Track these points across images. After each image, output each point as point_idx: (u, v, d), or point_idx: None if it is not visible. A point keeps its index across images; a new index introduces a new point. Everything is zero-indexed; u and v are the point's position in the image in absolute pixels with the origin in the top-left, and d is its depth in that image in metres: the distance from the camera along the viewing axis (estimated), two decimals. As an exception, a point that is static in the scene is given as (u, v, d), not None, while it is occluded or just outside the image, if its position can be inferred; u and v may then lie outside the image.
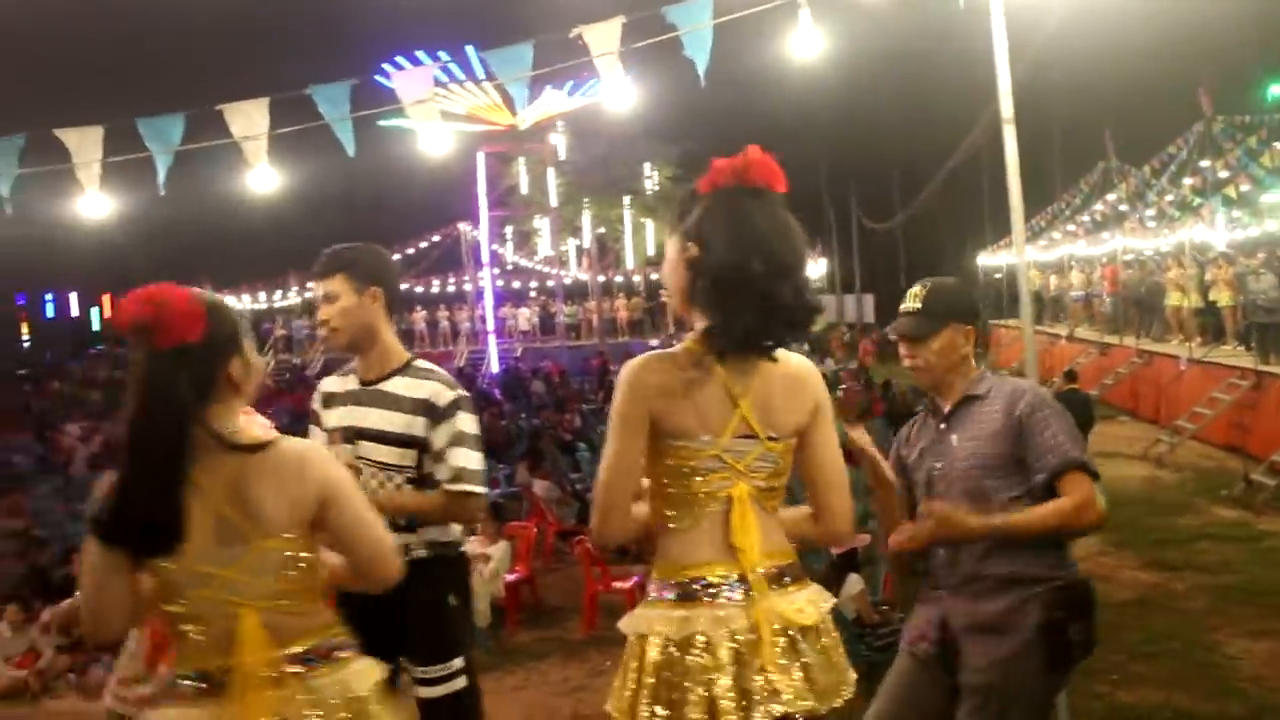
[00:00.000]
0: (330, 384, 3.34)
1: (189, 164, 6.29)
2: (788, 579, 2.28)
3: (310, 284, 3.17)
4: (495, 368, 28.03)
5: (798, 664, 2.19)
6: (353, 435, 3.16)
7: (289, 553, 2.16)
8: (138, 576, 2.16)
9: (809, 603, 2.27)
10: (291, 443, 2.22)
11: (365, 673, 2.27)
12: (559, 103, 27.55)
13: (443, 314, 34.13)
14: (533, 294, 37.23)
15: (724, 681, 2.14)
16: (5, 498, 12.03)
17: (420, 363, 3.26)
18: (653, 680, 2.19)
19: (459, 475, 3.15)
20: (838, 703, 2.26)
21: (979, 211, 33.86)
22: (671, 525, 2.28)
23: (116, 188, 6.47)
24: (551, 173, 30.77)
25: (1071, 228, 27.51)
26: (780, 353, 2.29)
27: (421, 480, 3.16)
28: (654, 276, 38.56)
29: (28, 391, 28.79)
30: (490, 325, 29.57)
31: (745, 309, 2.19)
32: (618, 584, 8.94)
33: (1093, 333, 23.29)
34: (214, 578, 2.13)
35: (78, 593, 2.25)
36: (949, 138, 31.92)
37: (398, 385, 3.18)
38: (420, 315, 33.60)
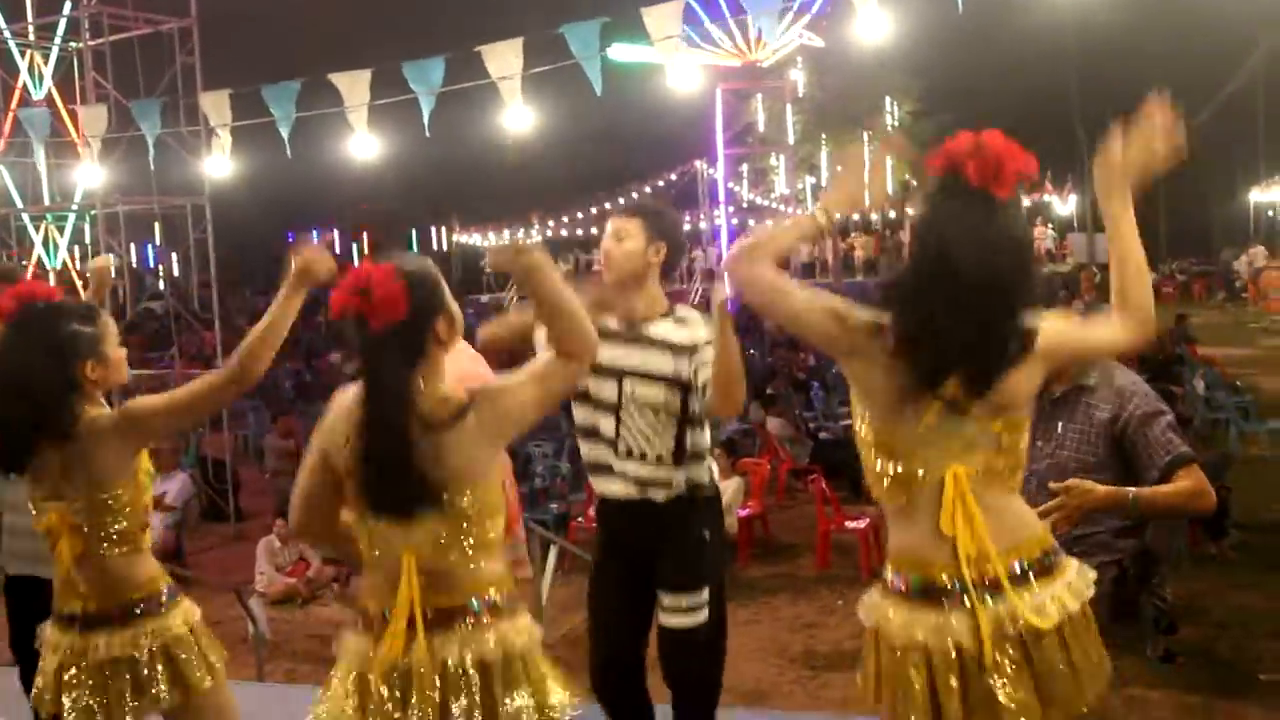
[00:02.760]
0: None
1: (446, 105, 6.57)
2: (1032, 574, 2.10)
3: (610, 218, 3.34)
4: (729, 305, 28.08)
5: (1028, 673, 2.04)
6: (619, 374, 3.26)
7: (461, 503, 2.22)
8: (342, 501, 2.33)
9: (1054, 599, 2.09)
10: (454, 393, 2.25)
11: (522, 628, 2.28)
12: (802, 37, 27.04)
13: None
14: (768, 232, 36.95)
15: (947, 691, 2.05)
16: (278, 420, 13.03)
17: (681, 309, 3.36)
18: (876, 675, 2.18)
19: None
20: (1082, 705, 2.10)
21: (1251, 143, 31.19)
22: (890, 506, 2.19)
23: (381, 128, 6.85)
24: (789, 109, 30.30)
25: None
26: None
27: (687, 419, 3.25)
28: (892, 214, 37.58)
29: (296, 323, 30.83)
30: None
31: (942, 331, 2.04)
32: (850, 523, 8.89)
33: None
34: (393, 530, 2.24)
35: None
36: (1217, 63, 29.46)
37: (662, 329, 3.28)
38: (656, 252, 34.00)
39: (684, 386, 3.24)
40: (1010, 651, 2.04)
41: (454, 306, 2.31)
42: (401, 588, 2.20)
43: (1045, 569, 2.12)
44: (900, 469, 2.13)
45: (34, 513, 2.73)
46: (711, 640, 3.34)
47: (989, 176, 2.06)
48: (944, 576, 2.09)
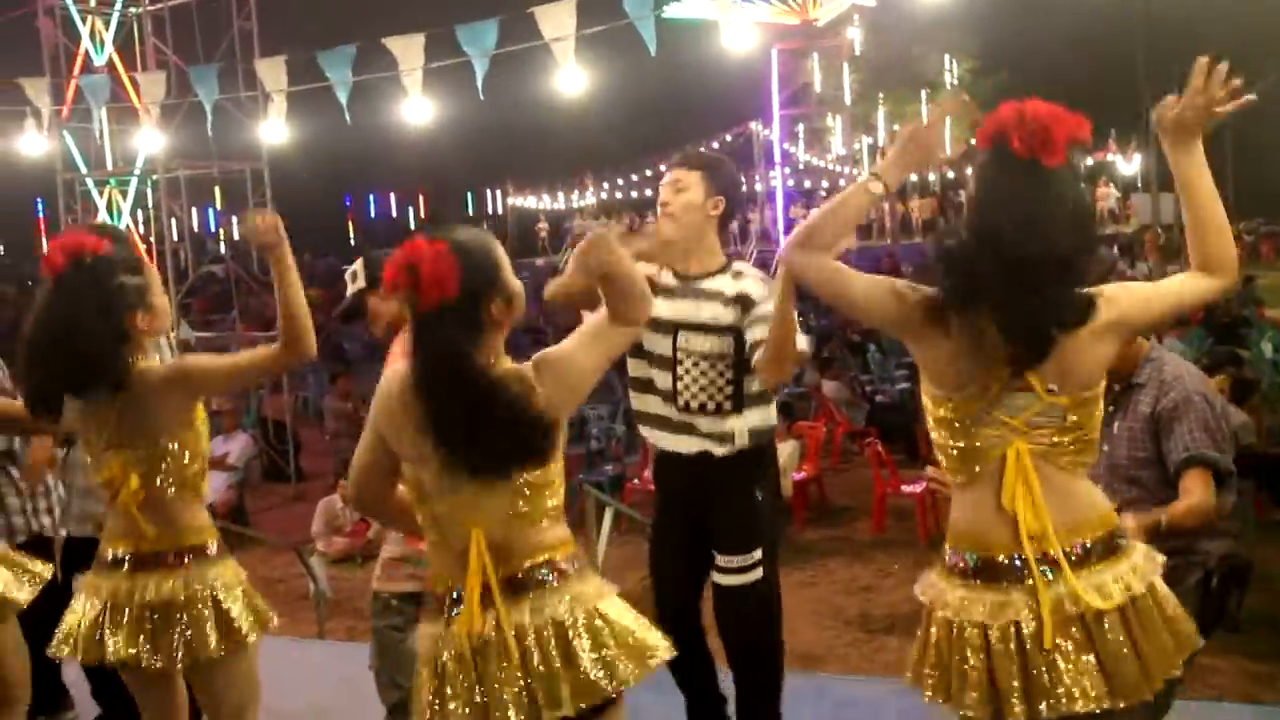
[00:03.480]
0: (648, 270, 3.42)
1: (499, 68, 6.56)
2: (1094, 554, 2.06)
3: (666, 170, 3.30)
4: (784, 268, 27.89)
5: (1091, 655, 2.00)
6: (674, 328, 3.26)
7: (524, 476, 2.19)
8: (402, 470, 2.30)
9: (1116, 580, 2.04)
10: (512, 368, 2.22)
11: (593, 589, 2.24)
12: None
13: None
14: (823, 194, 36.63)
15: (1005, 672, 2.02)
16: (337, 381, 13.18)
17: (739, 264, 3.35)
18: (934, 656, 2.15)
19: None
20: (1149, 693, 2.04)
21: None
22: (954, 483, 2.17)
23: (435, 92, 6.87)
24: (846, 69, 29.91)
25: None
26: None
27: (741, 364, 3.23)
28: (950, 175, 37.02)
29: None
30: (781, 225, 29.39)
31: (978, 295, 2.01)
32: (906, 487, 8.83)
33: None
34: (451, 494, 2.21)
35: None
36: (1295, 16, 28.55)
37: (717, 283, 3.28)
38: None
39: (738, 334, 3.22)
40: (1072, 632, 2.01)
41: (513, 284, 2.24)
42: (472, 563, 2.17)
43: (1110, 550, 2.08)
44: (964, 445, 2.10)
45: (92, 463, 2.78)
46: (765, 598, 3.34)
47: (1036, 146, 2.01)
48: (1003, 554, 2.06)
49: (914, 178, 36.51)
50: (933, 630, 2.16)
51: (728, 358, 3.24)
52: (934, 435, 2.16)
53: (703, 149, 3.35)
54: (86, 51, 12.17)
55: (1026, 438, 2.06)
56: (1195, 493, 2.75)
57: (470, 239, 2.20)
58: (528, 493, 2.19)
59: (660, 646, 2.23)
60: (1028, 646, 2.01)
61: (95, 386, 2.66)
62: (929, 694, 2.17)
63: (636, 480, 9.28)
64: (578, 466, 9.54)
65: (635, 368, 3.39)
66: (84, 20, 12.18)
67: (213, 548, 2.78)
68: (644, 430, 3.47)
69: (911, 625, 2.29)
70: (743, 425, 3.27)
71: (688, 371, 3.26)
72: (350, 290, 3.67)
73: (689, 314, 3.26)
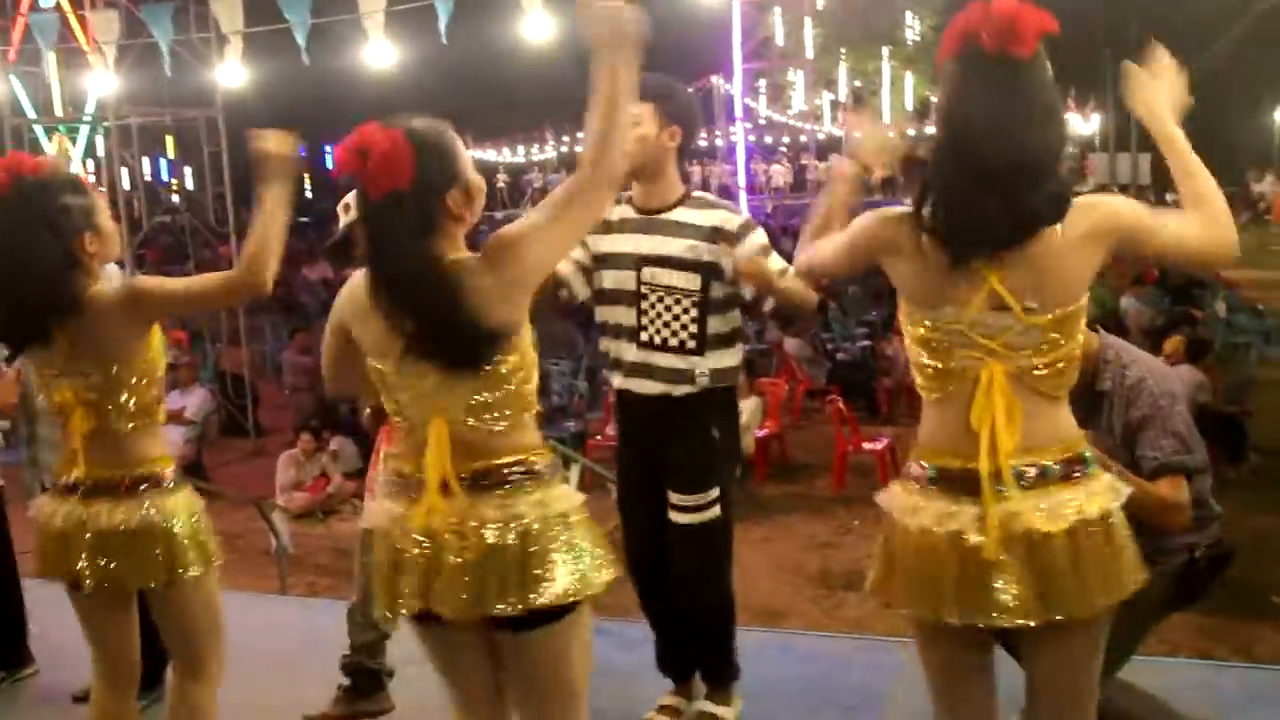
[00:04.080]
0: None
1: (461, 13, 6.41)
2: (1053, 476, 2.05)
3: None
4: (745, 224, 27.86)
5: (1029, 572, 2.00)
6: (638, 261, 3.20)
7: (501, 372, 2.12)
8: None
9: (1070, 504, 2.03)
10: (468, 257, 2.13)
11: (561, 494, 2.18)
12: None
13: (694, 169, 34.11)
14: (780, 150, 36.56)
15: (945, 578, 2.04)
16: (296, 335, 13.02)
17: (699, 193, 3.26)
18: (882, 558, 2.17)
19: (784, 270, 3.16)
20: (1085, 612, 2.04)
21: (1277, 65, 30.54)
22: (925, 399, 2.15)
23: (396, 39, 6.71)
24: (809, 22, 29.74)
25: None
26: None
27: (707, 303, 3.19)
28: (911, 132, 37.02)
29: (311, 238, 30.82)
30: (742, 181, 29.32)
31: (965, 209, 1.97)
32: (867, 444, 8.89)
33: None
34: (413, 386, 2.14)
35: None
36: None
37: (682, 214, 3.20)
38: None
39: (705, 270, 3.17)
40: (1013, 549, 2.01)
41: (473, 177, 2.15)
42: (429, 452, 2.11)
43: (1067, 475, 2.06)
44: (940, 364, 2.09)
45: (46, 391, 2.68)
46: (719, 537, 3.31)
47: (1006, 36, 1.96)
48: (959, 466, 2.06)
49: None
50: (883, 536, 2.18)
51: (694, 294, 3.18)
52: (910, 354, 2.14)
53: (653, 75, 3.21)
54: (33, -8, 11.83)
55: (1003, 360, 2.04)
56: (1168, 496, 2.78)
57: (427, 128, 2.11)
58: (490, 381, 2.12)
59: (613, 563, 2.19)
60: (968, 557, 2.02)
61: (48, 312, 2.56)
62: (871, 591, 2.21)
63: (599, 436, 9.26)
64: (540, 422, 9.50)
65: (602, 313, 3.32)
66: (30, -41, 11.83)
67: (168, 477, 2.68)
68: (607, 372, 3.43)
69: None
70: (705, 365, 3.21)
71: (652, 306, 3.19)
72: (344, 221, 3.53)
73: (655, 248, 3.19)
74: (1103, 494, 2.07)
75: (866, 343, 12.74)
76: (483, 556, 2.07)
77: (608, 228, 3.28)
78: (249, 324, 13.11)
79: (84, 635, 2.81)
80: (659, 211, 3.22)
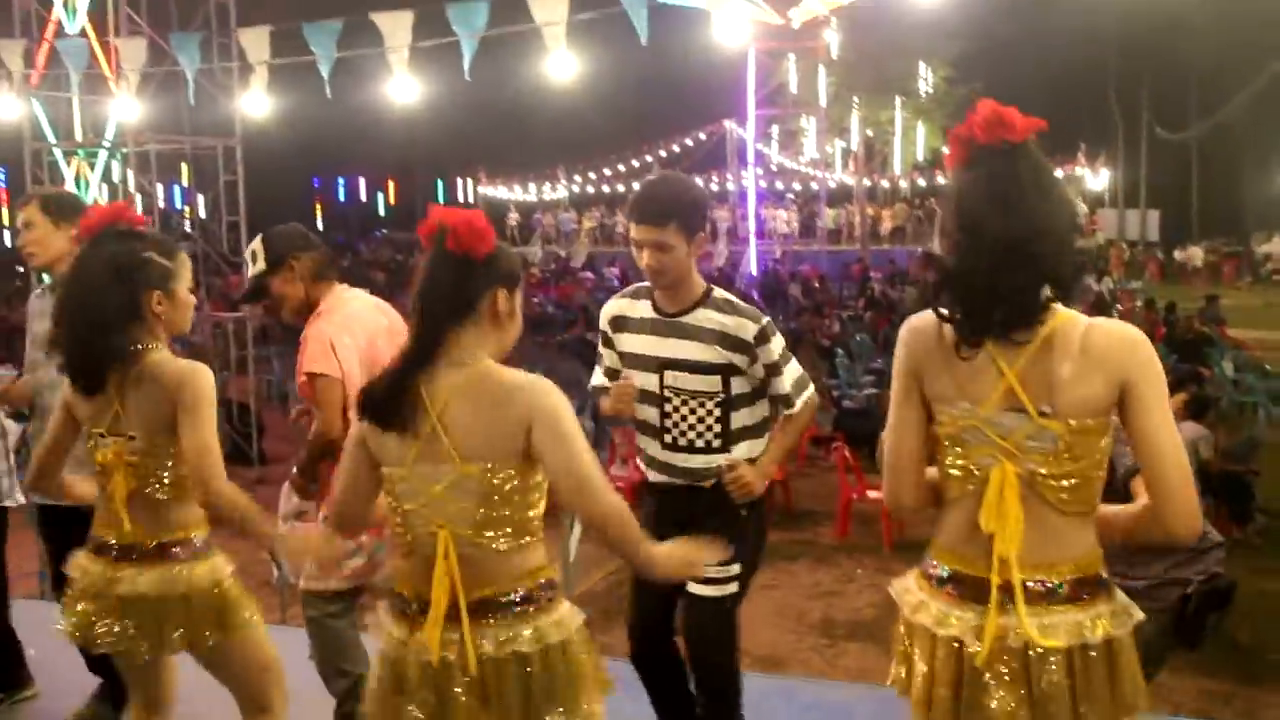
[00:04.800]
0: (620, 307, 3.38)
1: (482, 53, 6.49)
2: (1059, 596, 2.03)
3: (633, 227, 3.19)
4: (754, 269, 27.97)
5: (1024, 690, 2.00)
6: (659, 365, 3.23)
7: (494, 481, 2.18)
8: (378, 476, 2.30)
9: (1071, 625, 2.01)
10: (508, 371, 2.24)
11: (565, 621, 2.25)
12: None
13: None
14: (789, 196, 36.73)
15: (941, 679, 2.06)
16: (303, 364, 13.02)
17: (718, 292, 3.29)
18: (899, 649, 2.20)
19: (790, 399, 3.28)
20: None
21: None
22: (944, 498, 2.17)
23: (417, 76, 6.78)
24: (822, 71, 29.98)
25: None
26: (1074, 318, 2.03)
27: (730, 402, 3.23)
28: (921, 182, 37.21)
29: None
30: (752, 226, 29.44)
31: (978, 306, 2.01)
32: (871, 492, 8.86)
33: None
34: (422, 493, 2.21)
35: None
36: (1256, 41, 28.86)
37: (700, 317, 3.23)
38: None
39: (725, 370, 3.20)
40: (1010, 663, 2.01)
41: (517, 301, 2.31)
42: (437, 570, 2.18)
43: (1075, 597, 2.05)
44: (960, 464, 2.10)
45: (91, 445, 2.73)
46: (731, 615, 3.33)
47: (995, 126, 2.03)
48: (971, 571, 2.08)
49: (885, 184, 36.76)
50: (899, 626, 2.20)
51: (716, 395, 3.21)
52: (936, 457, 2.16)
53: (661, 181, 3.32)
54: (59, 20, 11.95)
55: (1016, 461, 2.04)
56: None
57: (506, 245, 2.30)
58: (497, 498, 2.18)
59: (610, 684, 2.28)
60: (966, 664, 2.03)
61: (100, 355, 2.62)
62: (891, 682, 2.22)
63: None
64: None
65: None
66: (57, -14, 11.96)
67: (197, 543, 2.73)
68: (639, 459, 3.44)
69: (874, 631, 2.31)
70: (733, 459, 3.26)
71: (676, 410, 3.23)
72: (250, 272, 3.52)
73: (675, 351, 3.23)
74: (1109, 618, 2.05)
75: (873, 390, 12.73)
76: (485, 694, 2.16)
77: (631, 326, 3.33)
78: (256, 353, 13.15)
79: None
80: (679, 314, 3.25)
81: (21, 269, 18.59)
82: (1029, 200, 2.01)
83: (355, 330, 3.44)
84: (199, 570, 2.70)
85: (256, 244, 3.49)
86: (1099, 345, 2.01)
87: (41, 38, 11.69)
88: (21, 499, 4.03)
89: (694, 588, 3.28)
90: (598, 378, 3.47)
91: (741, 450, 3.27)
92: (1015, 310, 2.00)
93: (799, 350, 14.30)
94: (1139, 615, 2.10)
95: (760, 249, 29.56)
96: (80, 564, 2.74)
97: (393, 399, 2.21)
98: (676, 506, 3.31)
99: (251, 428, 11.91)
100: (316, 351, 3.36)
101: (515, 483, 2.19)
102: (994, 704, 2.00)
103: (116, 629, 2.64)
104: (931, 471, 2.20)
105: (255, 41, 8.88)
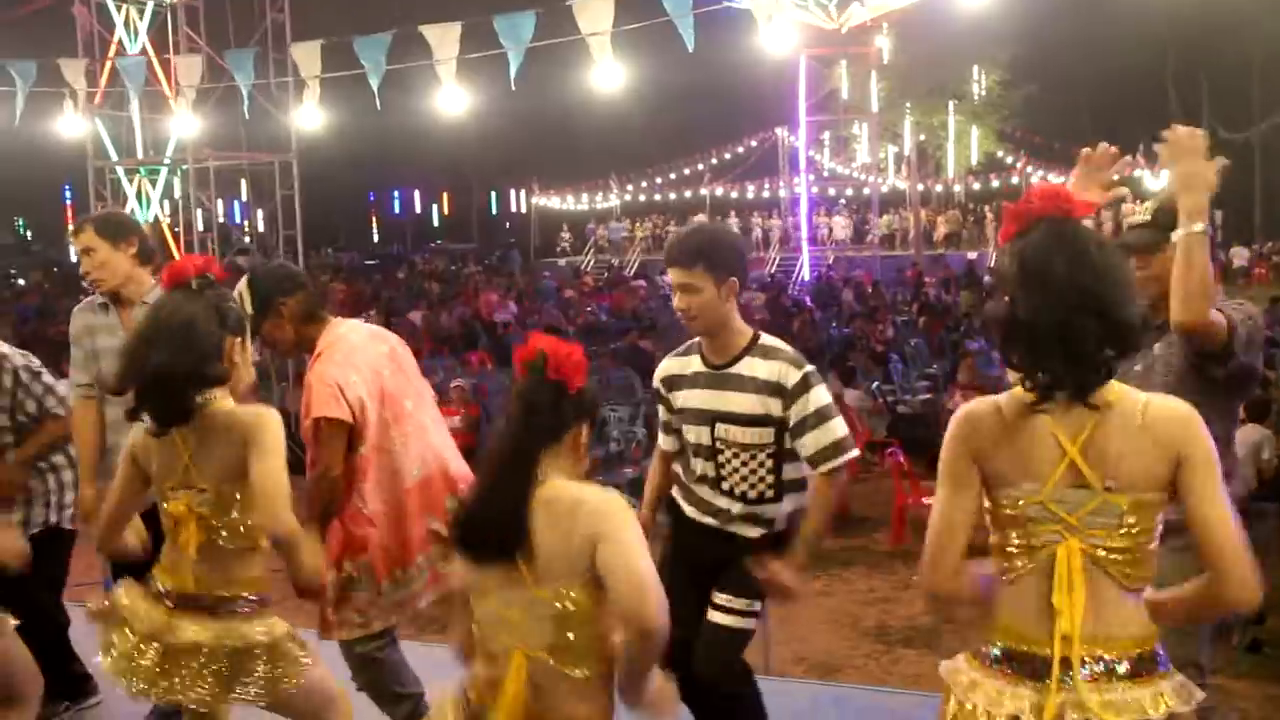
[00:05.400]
0: (672, 366, 3.39)
1: (529, 64, 6.56)
2: (1120, 673, 2.03)
3: (666, 270, 3.24)
4: (807, 275, 27.86)
5: None
6: (711, 419, 3.22)
7: (560, 605, 2.18)
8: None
9: (1132, 702, 2.00)
10: (578, 487, 2.24)
11: None
12: (889, 2, 26.58)
13: (756, 220, 34.19)
14: (841, 202, 36.55)
15: None
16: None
17: (765, 339, 3.26)
18: None
19: (825, 454, 3.13)
20: None
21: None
22: (1001, 576, 2.15)
23: (465, 87, 6.86)
24: (874, 76, 29.84)
25: None
26: (1134, 395, 2.06)
27: (781, 454, 3.20)
28: (975, 186, 36.83)
29: (377, 280, 31.34)
30: (804, 233, 29.34)
31: (1048, 358, 2.02)
32: (927, 499, 8.76)
33: None
34: (498, 614, 2.22)
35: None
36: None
37: (746, 367, 3.21)
38: (734, 222, 33.80)
39: (776, 423, 3.17)
40: None
41: (585, 435, 2.34)
42: (508, 684, 2.20)
43: (1135, 674, 2.04)
44: (1022, 543, 2.09)
45: (162, 501, 2.77)
46: (742, 645, 3.31)
47: (1052, 198, 2.10)
48: (1029, 649, 2.06)
49: (939, 189, 36.45)
50: (947, 706, 2.16)
51: (769, 447, 3.19)
52: (993, 538, 2.15)
53: (688, 229, 3.34)
54: (120, 40, 12.23)
55: (1081, 537, 2.04)
56: None
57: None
58: (570, 624, 2.18)
59: None
60: None
61: (191, 382, 2.67)
62: None
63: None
64: (596, 468, 9.52)
65: (682, 459, 3.38)
66: (118, 9, 12.24)
67: (257, 600, 2.76)
68: (678, 494, 3.42)
69: (930, 638, 2.27)
70: (781, 511, 3.25)
71: (728, 461, 3.22)
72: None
73: (725, 405, 3.21)
74: (1171, 694, 2.04)
75: (928, 395, 12.62)
76: None
77: (684, 383, 3.33)
78: (313, 364, 13.34)
79: None
80: (726, 365, 3.24)
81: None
82: (1092, 254, 2.05)
83: (359, 365, 3.41)
84: (254, 626, 2.73)
85: (242, 285, 3.43)
86: (1157, 419, 2.03)
87: (104, 57, 11.98)
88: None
89: (715, 616, 3.26)
90: (662, 440, 3.47)
91: (789, 503, 3.25)
92: (1083, 364, 2.01)
93: (852, 355, 14.22)
94: (1199, 694, 2.08)
95: (813, 255, 29.46)
96: (132, 606, 2.77)
97: (497, 527, 2.21)
98: (709, 546, 3.30)
99: (309, 438, 12.05)
100: (324, 395, 3.30)
101: (586, 603, 2.19)
102: None
103: (162, 678, 2.68)
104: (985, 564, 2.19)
105: (307, 56, 9.03)
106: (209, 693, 2.67)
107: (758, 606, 3.26)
